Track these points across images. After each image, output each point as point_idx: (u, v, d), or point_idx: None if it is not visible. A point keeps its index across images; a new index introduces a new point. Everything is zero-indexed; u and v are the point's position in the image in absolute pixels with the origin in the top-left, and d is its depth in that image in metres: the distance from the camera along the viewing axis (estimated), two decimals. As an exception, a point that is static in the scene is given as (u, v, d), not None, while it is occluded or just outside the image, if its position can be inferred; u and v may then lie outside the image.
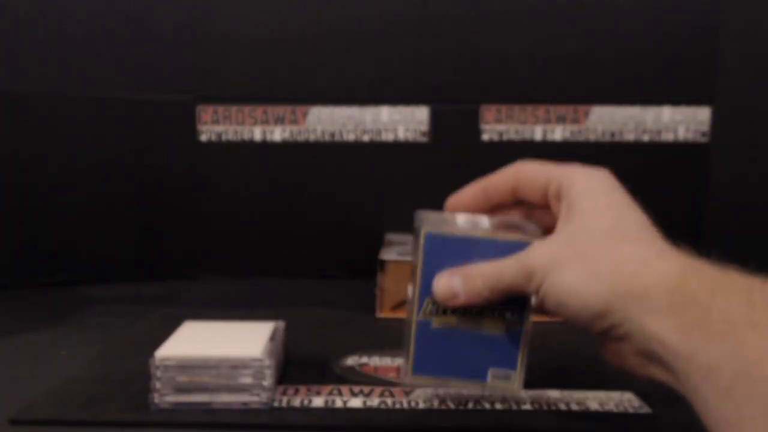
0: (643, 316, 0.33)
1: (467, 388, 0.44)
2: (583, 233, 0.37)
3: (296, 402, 0.46)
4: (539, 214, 0.43)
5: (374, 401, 0.46)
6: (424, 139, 0.85)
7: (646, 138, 0.84)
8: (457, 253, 0.42)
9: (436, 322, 0.43)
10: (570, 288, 0.36)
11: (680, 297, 0.32)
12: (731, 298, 0.31)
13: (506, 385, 0.43)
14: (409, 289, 0.43)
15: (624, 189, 0.39)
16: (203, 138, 0.85)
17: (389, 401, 0.46)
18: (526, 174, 0.42)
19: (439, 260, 0.42)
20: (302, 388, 0.48)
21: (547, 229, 0.41)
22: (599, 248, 0.36)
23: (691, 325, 0.31)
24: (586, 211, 0.38)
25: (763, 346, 0.29)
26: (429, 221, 0.43)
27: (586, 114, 0.84)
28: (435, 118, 0.84)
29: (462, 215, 0.44)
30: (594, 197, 0.38)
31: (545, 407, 0.46)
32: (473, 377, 0.43)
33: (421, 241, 0.42)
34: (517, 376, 0.43)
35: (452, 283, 0.40)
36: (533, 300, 0.40)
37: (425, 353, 0.43)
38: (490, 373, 0.43)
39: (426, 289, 0.42)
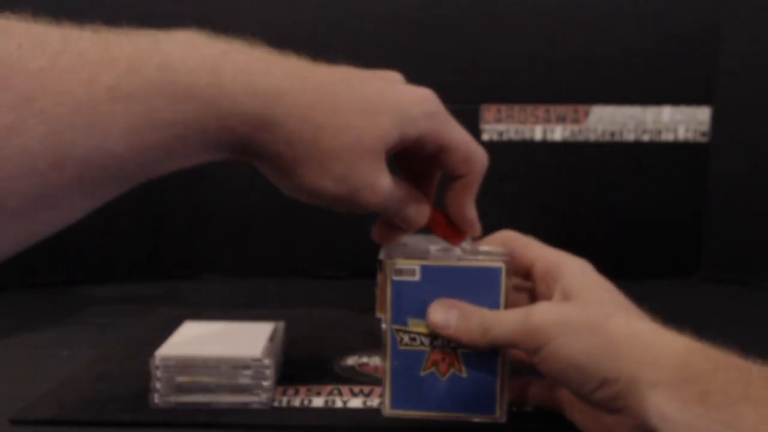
0: (648, 388, 0.34)
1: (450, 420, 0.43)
2: (594, 305, 0.38)
3: (296, 402, 0.46)
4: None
5: (374, 401, 0.46)
6: (424, 139, 0.85)
7: (646, 138, 0.84)
8: (429, 282, 0.41)
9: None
10: (583, 353, 0.36)
11: (684, 372, 0.34)
12: (730, 375, 0.33)
13: (490, 418, 0.42)
14: (383, 323, 0.43)
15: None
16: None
17: (389, 401, 0.46)
18: (513, 244, 0.43)
19: (409, 291, 0.42)
20: (302, 388, 0.48)
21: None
22: (614, 319, 0.37)
23: (691, 398, 0.33)
24: (591, 289, 0.39)
25: (757, 417, 0.31)
26: (397, 249, 0.43)
27: (586, 114, 0.84)
28: (435, 118, 0.84)
29: (433, 242, 0.43)
30: (594, 280, 0.40)
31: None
32: (455, 411, 0.42)
33: (389, 273, 0.42)
34: (498, 410, 0.42)
35: (448, 314, 0.41)
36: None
37: (404, 386, 0.43)
38: (472, 413, 0.42)
39: (398, 318, 0.42)
